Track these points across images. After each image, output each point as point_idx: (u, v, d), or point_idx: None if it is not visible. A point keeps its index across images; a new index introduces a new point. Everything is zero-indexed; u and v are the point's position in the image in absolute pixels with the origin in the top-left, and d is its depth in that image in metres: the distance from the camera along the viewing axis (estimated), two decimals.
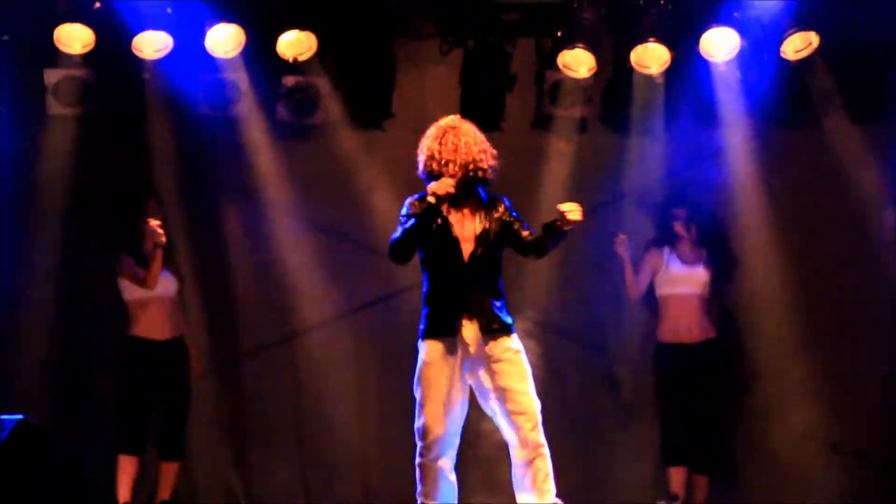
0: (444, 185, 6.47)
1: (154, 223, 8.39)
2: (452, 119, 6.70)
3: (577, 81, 9.12)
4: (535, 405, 6.44)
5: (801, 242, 9.37)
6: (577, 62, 9.04)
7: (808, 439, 9.28)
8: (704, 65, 9.05)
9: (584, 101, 9.25)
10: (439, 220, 6.50)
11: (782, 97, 9.14)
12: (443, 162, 6.54)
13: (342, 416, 9.40)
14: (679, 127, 9.30)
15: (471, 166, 6.55)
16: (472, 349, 6.46)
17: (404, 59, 9.41)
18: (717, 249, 8.97)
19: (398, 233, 6.50)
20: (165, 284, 8.69)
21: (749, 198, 9.34)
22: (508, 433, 6.47)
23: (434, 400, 6.44)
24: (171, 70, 9.07)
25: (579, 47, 8.93)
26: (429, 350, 6.49)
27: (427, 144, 6.63)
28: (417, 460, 6.48)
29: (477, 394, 6.52)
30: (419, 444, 6.47)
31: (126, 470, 8.58)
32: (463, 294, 6.49)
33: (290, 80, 9.18)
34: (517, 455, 6.47)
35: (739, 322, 9.26)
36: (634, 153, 9.39)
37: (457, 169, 6.52)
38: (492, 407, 6.50)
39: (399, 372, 8.89)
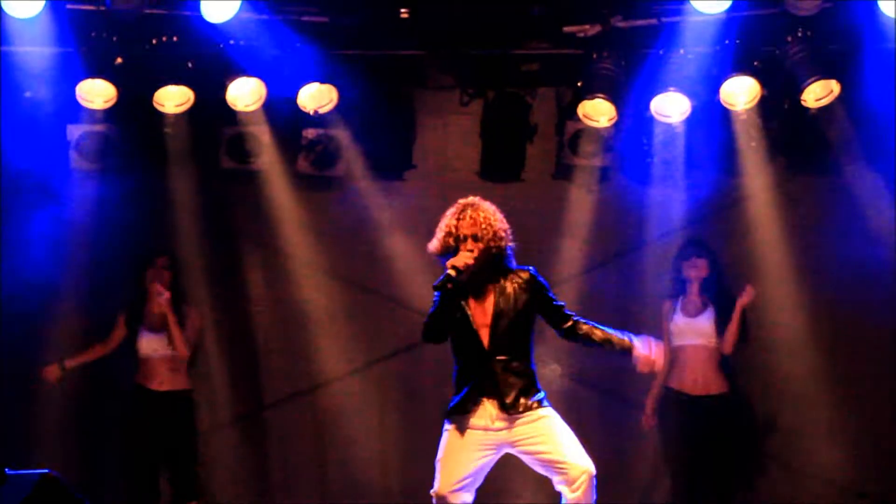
0: (464, 258, 6.45)
1: (157, 295, 8.60)
2: (471, 198, 6.68)
3: (597, 131, 9.12)
4: (583, 465, 6.41)
5: (821, 288, 9.33)
6: (597, 112, 9.05)
7: (833, 486, 9.21)
8: (725, 113, 9.05)
9: (605, 150, 9.25)
10: (462, 303, 6.48)
11: (803, 145, 9.14)
12: (461, 237, 6.53)
13: (365, 467, 9.38)
14: (700, 175, 9.30)
15: (492, 243, 6.53)
16: (494, 427, 6.46)
17: (424, 110, 9.45)
18: (727, 300, 8.91)
19: (427, 316, 6.49)
20: (155, 346, 8.77)
21: (770, 244, 9.32)
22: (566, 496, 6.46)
23: (449, 475, 6.47)
24: (193, 124, 9.11)
25: (599, 97, 8.93)
26: (450, 430, 6.52)
27: (445, 223, 6.62)
28: None
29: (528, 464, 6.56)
30: None
31: None
32: (484, 378, 6.47)
33: (311, 133, 9.22)
34: None
35: (758, 364, 9.19)
36: (655, 202, 9.40)
37: (476, 244, 6.50)
38: (545, 473, 6.52)
39: (422, 422, 8.93)
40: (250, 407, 9.47)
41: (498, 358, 6.48)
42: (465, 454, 6.46)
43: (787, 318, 9.30)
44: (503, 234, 6.57)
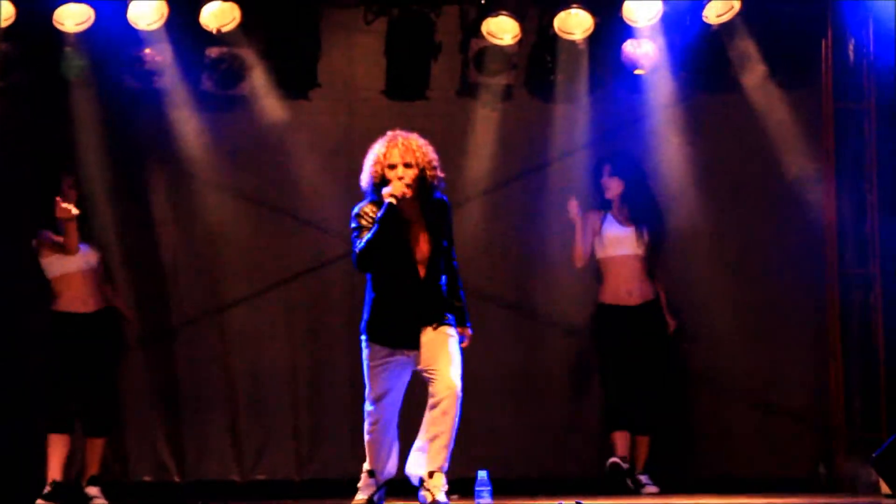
0: (400, 187, 6.50)
1: (64, 205, 8.24)
2: (400, 131, 6.73)
3: (501, 49, 9.14)
4: (452, 382, 6.53)
5: (727, 203, 9.46)
6: (502, 29, 9.07)
7: (743, 401, 9.39)
8: (628, 30, 9.10)
9: (509, 68, 9.26)
10: (399, 233, 6.55)
11: (704, 61, 9.22)
12: (390, 165, 6.56)
13: (273, 387, 9.38)
14: (603, 93, 9.36)
15: (428, 171, 6.60)
16: (416, 350, 6.63)
17: (329, 28, 9.37)
18: (650, 217, 9.01)
19: (362, 244, 6.52)
20: (86, 258, 8.59)
21: (673, 162, 9.41)
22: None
23: (382, 394, 6.66)
24: (94, 43, 8.99)
25: (503, 14, 8.97)
26: (375, 352, 6.65)
27: (374, 153, 6.66)
28: (367, 437, 6.71)
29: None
30: (368, 423, 6.69)
31: (56, 449, 8.50)
32: (420, 309, 6.61)
33: (214, 52, 9.12)
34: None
35: (674, 286, 9.30)
36: (559, 120, 9.45)
37: (407, 171, 6.56)
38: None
39: (329, 340, 8.95)
40: (157, 328, 9.42)
41: (430, 286, 6.61)
42: (391, 375, 6.66)
43: (695, 236, 9.41)
44: (436, 164, 6.65)
